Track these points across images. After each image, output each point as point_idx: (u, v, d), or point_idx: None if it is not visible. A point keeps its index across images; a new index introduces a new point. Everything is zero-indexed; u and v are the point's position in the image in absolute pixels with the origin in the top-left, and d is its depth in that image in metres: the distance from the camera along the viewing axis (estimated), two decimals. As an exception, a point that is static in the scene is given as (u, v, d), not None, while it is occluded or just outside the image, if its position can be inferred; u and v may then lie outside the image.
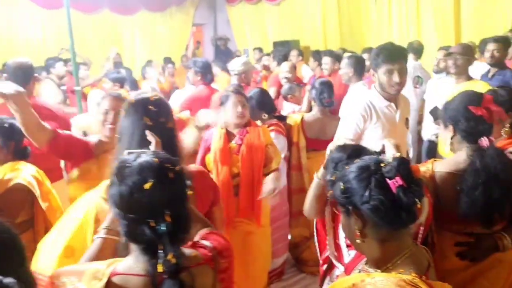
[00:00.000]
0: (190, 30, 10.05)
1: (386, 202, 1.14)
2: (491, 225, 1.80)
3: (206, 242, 1.29)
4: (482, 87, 3.81)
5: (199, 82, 4.38)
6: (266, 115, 3.25)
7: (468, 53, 3.87)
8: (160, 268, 1.09)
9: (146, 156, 1.18)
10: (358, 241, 1.22)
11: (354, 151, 1.74)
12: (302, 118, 3.42)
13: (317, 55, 5.87)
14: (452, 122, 1.89)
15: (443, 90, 3.97)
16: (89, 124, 3.25)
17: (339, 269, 1.79)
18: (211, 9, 10.37)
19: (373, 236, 1.20)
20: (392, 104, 2.55)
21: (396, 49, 2.51)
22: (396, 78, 2.43)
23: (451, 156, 1.92)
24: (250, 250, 2.78)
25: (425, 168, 1.89)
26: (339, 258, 1.78)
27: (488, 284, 1.83)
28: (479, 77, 4.33)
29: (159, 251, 1.10)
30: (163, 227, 1.10)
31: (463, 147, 1.86)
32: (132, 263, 1.16)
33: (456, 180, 1.78)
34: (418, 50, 4.89)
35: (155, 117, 1.63)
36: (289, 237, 3.71)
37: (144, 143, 1.54)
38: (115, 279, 1.13)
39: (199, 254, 1.24)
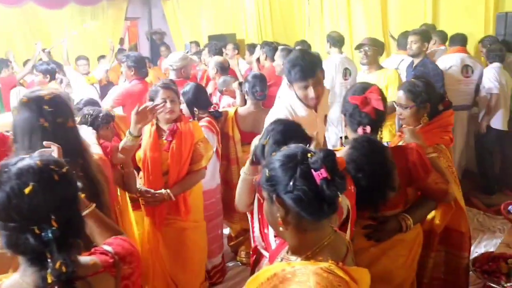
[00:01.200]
0: (123, 24, 9.72)
1: (309, 193, 1.15)
2: (378, 211, 1.92)
3: (107, 248, 1.23)
4: (391, 75, 4.06)
5: (133, 77, 4.27)
6: (200, 110, 3.22)
7: (377, 44, 4.10)
8: (49, 279, 1.01)
9: (28, 159, 1.09)
10: (280, 229, 1.24)
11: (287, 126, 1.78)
12: (236, 112, 3.43)
13: (253, 49, 5.89)
14: (343, 111, 2.03)
15: (364, 80, 4.17)
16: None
17: (266, 258, 1.82)
18: (145, 2, 10.10)
19: (295, 225, 1.21)
20: (313, 110, 2.53)
21: (308, 65, 2.37)
22: (311, 93, 2.38)
23: (344, 147, 2.01)
24: (186, 246, 2.76)
25: None
26: (267, 248, 1.81)
27: (389, 262, 1.97)
28: (405, 69, 4.58)
29: (48, 260, 1.02)
30: (49, 234, 1.02)
31: (351, 137, 1.99)
32: (18, 278, 1.08)
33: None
34: (338, 41, 4.78)
35: (51, 117, 1.55)
36: (229, 230, 3.73)
37: (41, 145, 1.45)
38: None
39: (98, 262, 1.17)
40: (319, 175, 1.15)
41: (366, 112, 1.91)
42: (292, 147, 1.26)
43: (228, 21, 8.46)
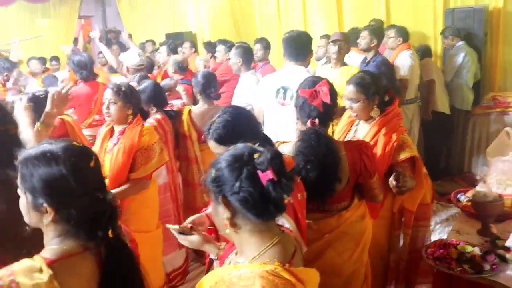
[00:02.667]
0: (76, 23, 9.42)
1: (255, 195, 1.15)
2: (325, 202, 1.99)
3: None
4: (355, 72, 4.12)
5: (79, 80, 4.15)
6: (155, 108, 3.18)
7: (348, 40, 4.15)
8: (110, 234, 1.17)
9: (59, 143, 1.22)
10: (227, 230, 1.23)
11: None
12: (190, 111, 3.40)
13: (209, 46, 5.83)
14: (295, 105, 2.08)
15: (327, 76, 4.21)
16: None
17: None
18: (99, 1, 9.81)
19: (241, 226, 1.21)
20: None
21: None
22: None
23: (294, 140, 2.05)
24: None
25: None
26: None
27: (335, 254, 2.01)
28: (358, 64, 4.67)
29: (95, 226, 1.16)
30: (110, 196, 1.23)
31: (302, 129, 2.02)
32: (62, 245, 1.15)
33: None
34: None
35: None
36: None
37: None
38: (57, 267, 1.09)
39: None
40: (265, 176, 1.14)
41: (315, 105, 1.95)
42: (240, 147, 1.25)
43: (186, 19, 8.34)
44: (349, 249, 2.06)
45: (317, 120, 1.95)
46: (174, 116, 3.34)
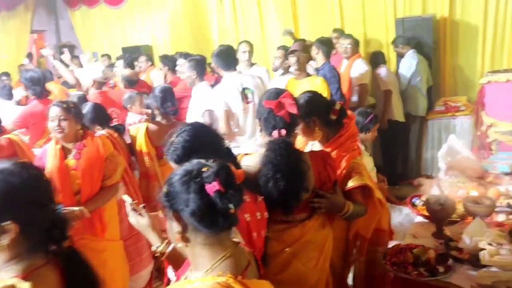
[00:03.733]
0: (28, 37, 9.11)
1: (202, 207, 1.16)
2: (291, 212, 1.98)
3: None
4: (320, 84, 4.20)
5: (32, 97, 4.03)
6: (100, 127, 3.14)
7: (307, 51, 4.22)
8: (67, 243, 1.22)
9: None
10: (179, 245, 1.24)
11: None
12: (147, 128, 3.35)
13: (166, 60, 5.78)
14: (258, 117, 2.08)
15: (294, 87, 4.27)
16: None
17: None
18: (51, 14, 9.54)
19: (193, 240, 1.22)
20: None
21: None
22: None
23: (258, 152, 2.05)
24: (107, 268, 2.63)
25: None
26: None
27: (301, 264, 2.02)
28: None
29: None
30: (61, 207, 1.25)
31: (265, 141, 2.03)
32: (25, 261, 1.15)
33: (257, 174, 1.92)
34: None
35: None
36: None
37: None
38: (32, 279, 1.11)
39: None
40: (212, 188, 1.16)
41: (281, 115, 1.95)
42: (193, 162, 1.27)
43: (143, 32, 8.24)
44: (314, 257, 2.07)
45: (283, 131, 1.96)
46: (122, 130, 3.30)
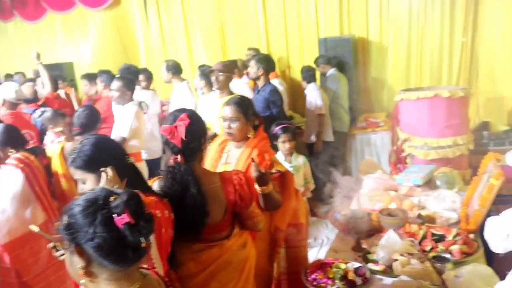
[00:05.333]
0: None
1: (110, 241, 1.08)
2: (198, 236, 1.98)
3: None
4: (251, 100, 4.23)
5: None
6: (13, 150, 2.94)
7: (228, 70, 4.22)
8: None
9: None
10: (82, 281, 1.14)
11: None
12: (63, 148, 3.20)
13: (90, 77, 5.55)
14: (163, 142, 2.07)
15: (208, 106, 4.27)
16: None
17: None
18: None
19: (98, 275, 1.13)
20: None
21: None
22: None
23: None
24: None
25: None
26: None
27: (220, 285, 2.00)
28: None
29: None
30: None
31: None
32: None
33: None
34: (176, 68, 5.02)
35: None
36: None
37: None
38: None
39: None
40: (121, 220, 1.09)
41: (174, 142, 1.94)
42: (96, 190, 1.18)
43: (64, 50, 7.90)
44: (234, 278, 2.05)
45: (179, 157, 1.95)
46: (39, 153, 3.11)
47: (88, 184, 1.74)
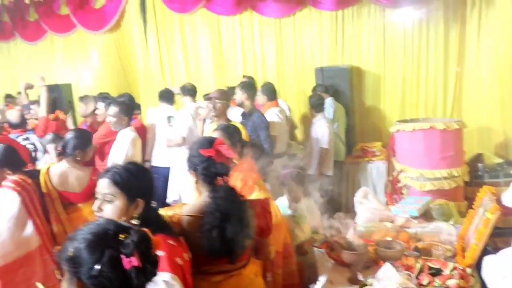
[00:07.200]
0: None
1: (115, 281, 1.06)
2: (236, 261, 1.94)
3: None
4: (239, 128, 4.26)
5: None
6: (11, 172, 2.93)
7: (225, 97, 4.26)
8: None
9: None
10: None
11: None
12: (49, 168, 3.18)
13: (87, 99, 5.54)
14: (192, 168, 2.03)
15: (208, 132, 4.29)
16: None
17: None
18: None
19: None
20: None
21: None
22: None
23: (198, 200, 2.02)
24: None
25: (172, 212, 1.96)
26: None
27: None
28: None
29: None
30: None
31: (205, 190, 1.99)
32: None
33: (199, 223, 1.88)
34: (191, 91, 5.28)
35: None
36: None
37: None
38: None
39: None
40: (130, 262, 1.06)
41: (222, 162, 1.96)
42: (104, 223, 1.15)
43: (63, 71, 7.95)
44: None
45: (226, 177, 1.96)
46: (37, 176, 3.08)
47: (113, 205, 1.68)
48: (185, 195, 3.94)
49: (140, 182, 1.74)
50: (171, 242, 1.66)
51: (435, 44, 5.70)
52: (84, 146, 3.21)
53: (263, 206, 2.11)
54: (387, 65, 6.04)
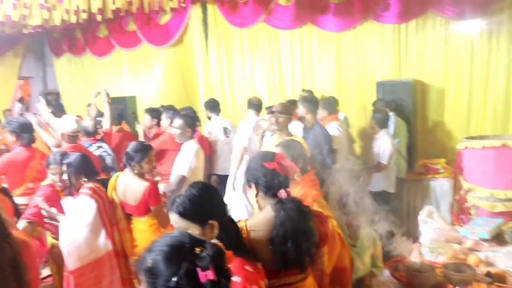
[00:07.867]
0: (15, 83, 9.14)
1: None
2: (306, 270, 1.97)
3: None
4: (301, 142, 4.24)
5: (16, 144, 3.97)
6: (86, 179, 3.10)
7: (287, 112, 4.26)
8: None
9: None
10: None
11: None
12: (117, 177, 3.32)
13: (154, 112, 5.79)
14: (253, 180, 2.05)
15: (268, 145, 4.32)
16: None
17: None
18: (39, 61, 9.64)
19: None
20: None
21: None
22: None
23: (261, 214, 2.03)
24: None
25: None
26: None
27: None
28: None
29: None
30: None
31: (267, 203, 2.01)
32: None
33: (268, 236, 1.89)
34: (256, 105, 5.33)
35: None
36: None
37: None
38: None
39: None
40: (205, 276, 1.08)
41: (285, 174, 1.99)
42: (179, 235, 1.18)
43: (128, 83, 8.34)
44: None
45: (289, 190, 1.98)
46: (106, 184, 3.25)
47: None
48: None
49: (206, 206, 1.74)
50: (248, 268, 1.66)
51: (507, 57, 5.41)
52: (139, 159, 3.20)
53: (319, 215, 2.10)
54: (452, 79, 5.82)
